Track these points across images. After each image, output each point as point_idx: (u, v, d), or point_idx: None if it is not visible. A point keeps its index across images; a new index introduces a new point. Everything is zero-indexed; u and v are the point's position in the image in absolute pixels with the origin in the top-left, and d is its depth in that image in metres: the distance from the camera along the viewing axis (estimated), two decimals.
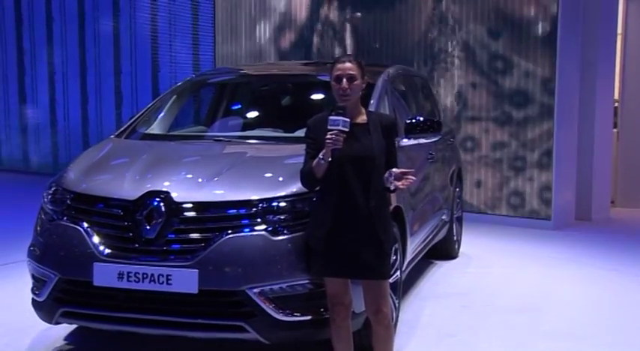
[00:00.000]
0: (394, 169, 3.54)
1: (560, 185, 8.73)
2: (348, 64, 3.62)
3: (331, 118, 3.48)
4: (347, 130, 3.46)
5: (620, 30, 10.04)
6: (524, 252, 7.52)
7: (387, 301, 3.71)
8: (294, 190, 3.88)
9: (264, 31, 10.94)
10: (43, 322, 4.30)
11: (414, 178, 3.54)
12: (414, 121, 5.13)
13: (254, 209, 3.88)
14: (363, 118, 3.67)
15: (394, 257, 4.50)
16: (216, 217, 3.89)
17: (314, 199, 3.73)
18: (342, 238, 3.55)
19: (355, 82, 3.61)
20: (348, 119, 3.48)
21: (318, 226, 3.60)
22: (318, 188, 3.65)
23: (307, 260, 3.73)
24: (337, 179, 3.54)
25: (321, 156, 3.48)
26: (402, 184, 3.53)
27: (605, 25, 9.24)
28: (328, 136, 3.44)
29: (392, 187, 3.56)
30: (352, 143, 3.53)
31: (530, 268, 6.88)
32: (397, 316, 4.78)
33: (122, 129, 5.34)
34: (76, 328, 4.82)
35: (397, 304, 4.75)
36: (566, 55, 8.64)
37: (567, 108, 8.80)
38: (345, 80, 3.59)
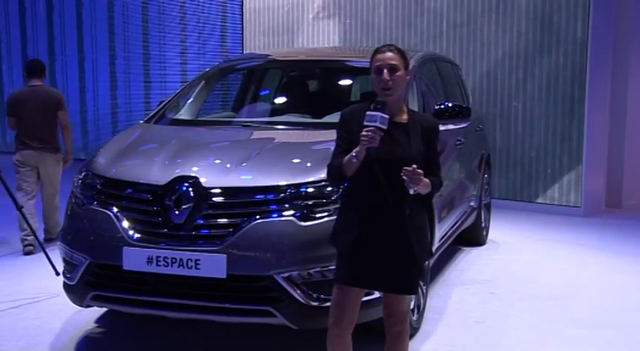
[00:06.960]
0: (405, 168, 3.07)
1: (590, 172, 8.63)
2: (389, 54, 3.22)
3: (368, 113, 3.10)
4: (385, 127, 3.08)
5: None
6: (553, 239, 7.46)
7: (407, 317, 3.42)
8: (322, 175, 3.81)
9: (293, 17, 10.91)
10: (75, 305, 4.35)
11: (419, 171, 3.07)
12: (442, 106, 5.10)
13: (282, 195, 3.89)
14: (403, 118, 3.27)
15: None
16: (244, 202, 3.90)
17: (343, 194, 3.50)
18: (371, 247, 3.21)
19: (397, 73, 3.20)
20: (387, 116, 3.09)
21: (347, 230, 3.25)
22: (348, 190, 3.33)
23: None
24: (369, 182, 3.18)
25: (353, 153, 3.11)
26: (419, 188, 3.11)
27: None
28: (364, 133, 3.06)
29: (411, 192, 3.12)
30: (388, 143, 3.14)
31: (558, 255, 6.83)
32: (425, 303, 4.77)
33: (151, 114, 5.37)
34: (107, 312, 4.88)
35: (425, 291, 4.74)
36: (598, 40, 8.53)
37: (599, 93, 8.69)
38: (386, 71, 3.19)
